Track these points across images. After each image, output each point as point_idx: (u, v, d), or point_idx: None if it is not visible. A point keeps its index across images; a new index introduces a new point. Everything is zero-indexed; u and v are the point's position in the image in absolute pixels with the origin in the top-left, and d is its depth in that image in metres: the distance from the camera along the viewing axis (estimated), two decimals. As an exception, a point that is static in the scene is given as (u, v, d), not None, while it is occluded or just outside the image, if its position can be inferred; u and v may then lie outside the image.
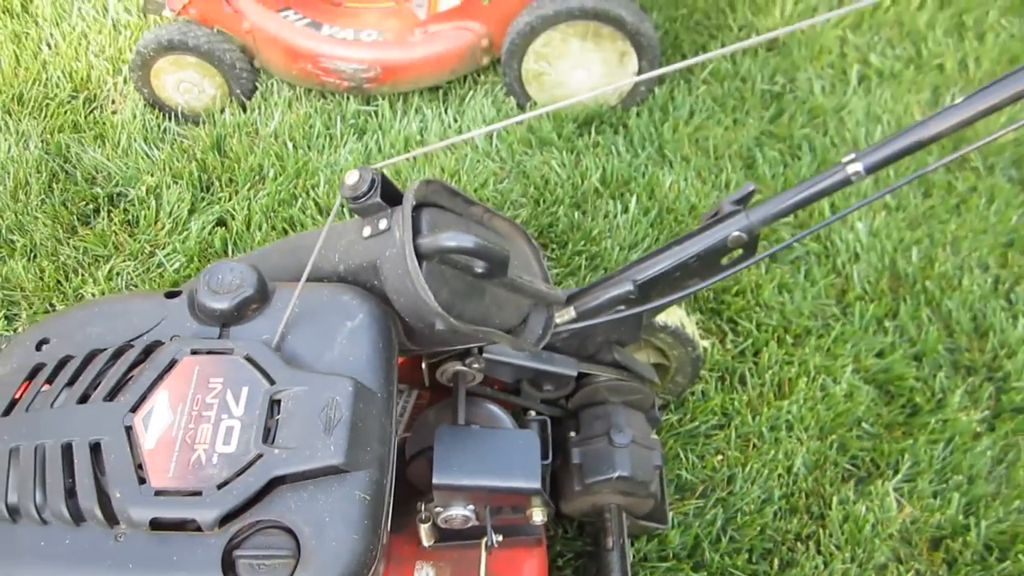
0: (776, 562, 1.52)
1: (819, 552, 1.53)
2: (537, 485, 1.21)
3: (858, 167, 1.23)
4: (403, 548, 1.35)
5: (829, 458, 1.65)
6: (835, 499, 1.58)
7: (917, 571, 1.52)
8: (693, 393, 1.72)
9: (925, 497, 1.59)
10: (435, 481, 1.18)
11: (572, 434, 1.45)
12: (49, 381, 1.05)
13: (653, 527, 1.51)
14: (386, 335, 1.13)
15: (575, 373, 1.41)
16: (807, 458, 1.64)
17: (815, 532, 1.55)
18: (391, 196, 1.15)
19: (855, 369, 1.77)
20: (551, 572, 1.44)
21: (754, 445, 1.66)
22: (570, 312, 1.37)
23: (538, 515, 1.26)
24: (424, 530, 1.27)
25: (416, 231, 1.11)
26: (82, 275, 1.92)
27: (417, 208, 1.14)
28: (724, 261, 1.35)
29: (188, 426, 0.99)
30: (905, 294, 1.91)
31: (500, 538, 1.25)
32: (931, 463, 1.63)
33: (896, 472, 1.63)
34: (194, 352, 1.05)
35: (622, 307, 1.36)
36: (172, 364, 1.04)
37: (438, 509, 1.24)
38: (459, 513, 1.23)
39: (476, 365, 1.35)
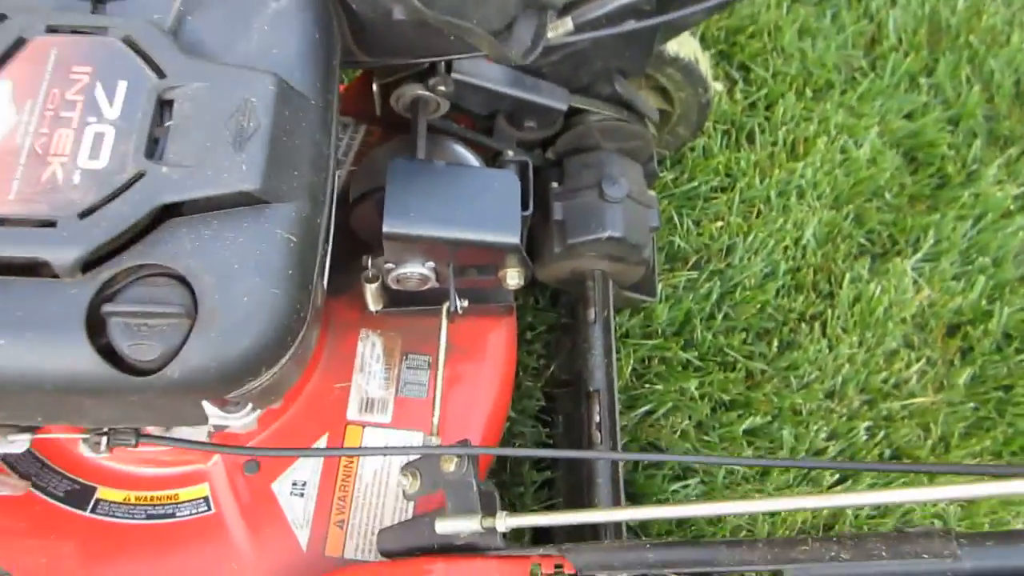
0: (775, 343, 1.33)
1: (824, 334, 1.34)
2: (515, 240, 0.95)
3: None
4: (344, 313, 1.10)
5: (843, 231, 1.42)
6: (847, 277, 1.37)
7: (929, 358, 1.34)
8: (693, 148, 1.45)
9: (946, 279, 1.40)
10: (386, 229, 0.91)
11: (554, 185, 1.18)
12: None
13: (639, 299, 1.29)
14: (324, 23, 0.81)
15: (565, 106, 1.12)
16: (819, 230, 1.41)
17: (822, 312, 1.36)
18: None
19: (881, 132, 1.51)
20: (519, 346, 1.23)
21: (759, 212, 1.42)
22: (566, 24, 1.04)
23: (513, 277, 1.01)
24: (371, 291, 1.01)
25: None
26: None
27: None
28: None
29: (40, 131, 0.70)
30: (945, 48, 1.62)
31: (465, 303, 1.01)
32: (956, 242, 1.42)
33: (916, 250, 1.42)
34: (51, 30, 0.74)
35: (632, 20, 1.04)
36: (19, 44, 0.73)
37: (389, 266, 0.98)
38: (415, 272, 0.98)
39: (441, 88, 1.05)
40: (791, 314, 1.35)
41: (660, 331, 1.31)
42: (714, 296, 1.33)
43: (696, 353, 1.30)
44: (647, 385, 1.28)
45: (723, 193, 1.43)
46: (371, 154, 1.15)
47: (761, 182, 1.43)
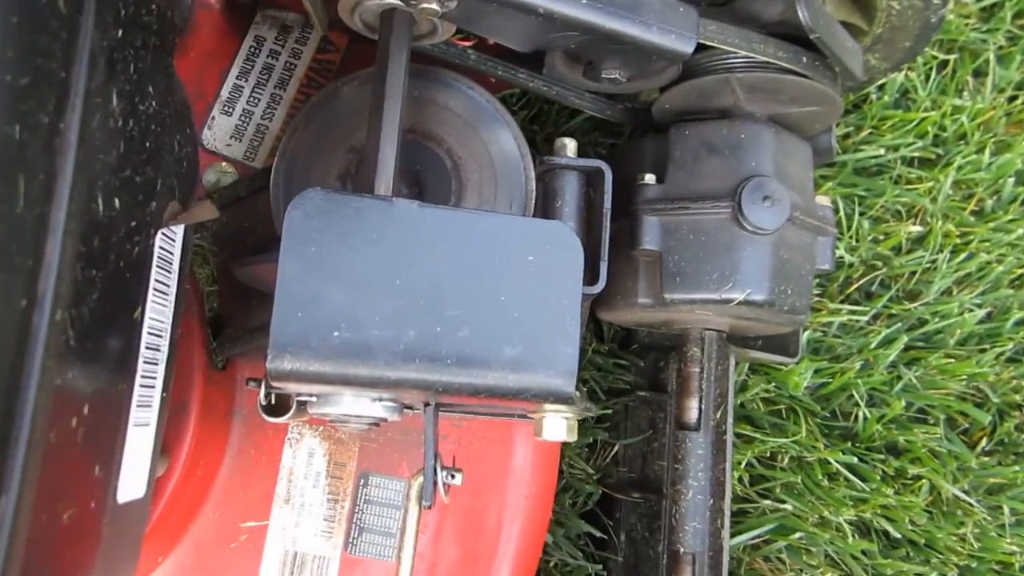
0: (983, 443, 0.81)
1: (1068, 435, 0.82)
2: (569, 386, 0.44)
3: None
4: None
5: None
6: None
7: None
8: (882, 88, 0.87)
9: None
10: (269, 365, 0.40)
11: (647, 179, 0.64)
12: None
13: (767, 360, 0.78)
14: None
15: (690, 48, 0.55)
16: (1077, 246, 0.85)
17: (1073, 399, 0.82)
18: None
19: None
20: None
21: (982, 209, 0.86)
22: None
23: (556, 430, 0.50)
24: (280, 420, 0.52)
25: None
26: None
27: None
28: None
29: None
30: None
31: (455, 479, 0.50)
32: None
33: None
34: None
35: None
36: None
37: (306, 398, 0.48)
38: (356, 414, 0.48)
39: (431, 6, 0.49)
40: (1016, 396, 0.82)
41: (796, 410, 0.80)
42: (892, 354, 0.80)
43: (855, 456, 0.78)
44: (766, 499, 0.79)
45: (925, 171, 0.86)
46: (323, 96, 0.61)
47: (991, 156, 0.86)
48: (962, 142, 0.86)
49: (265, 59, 0.68)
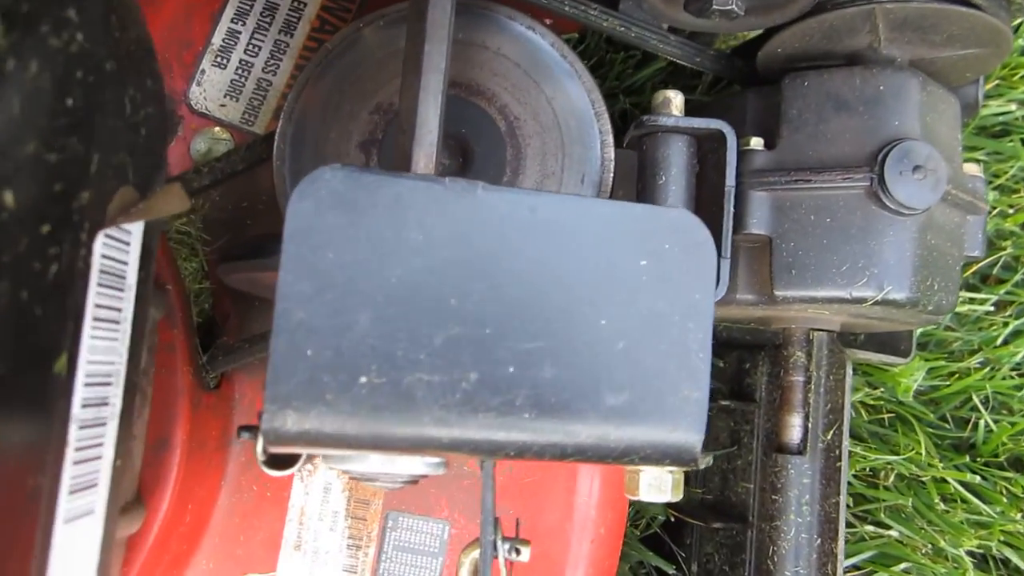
0: None
1: None
2: (696, 444, 0.31)
3: None
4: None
5: None
6: None
7: None
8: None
9: None
10: (268, 425, 0.27)
11: (754, 143, 0.50)
12: None
13: (874, 360, 0.64)
14: None
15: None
16: None
17: None
18: None
19: None
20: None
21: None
22: None
23: (659, 489, 0.37)
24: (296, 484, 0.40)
25: None
26: None
27: None
28: None
29: None
30: None
31: (521, 555, 0.38)
32: None
33: None
34: None
35: None
36: None
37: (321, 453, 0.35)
38: (388, 471, 0.35)
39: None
40: None
41: (905, 418, 0.67)
42: (1020, 354, 0.67)
43: (975, 472, 0.65)
44: (867, 523, 0.66)
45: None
46: (309, 69, 0.47)
47: None
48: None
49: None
